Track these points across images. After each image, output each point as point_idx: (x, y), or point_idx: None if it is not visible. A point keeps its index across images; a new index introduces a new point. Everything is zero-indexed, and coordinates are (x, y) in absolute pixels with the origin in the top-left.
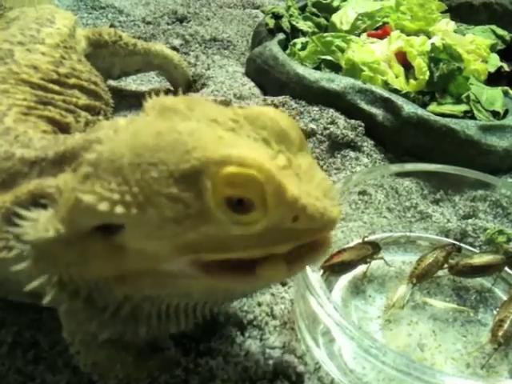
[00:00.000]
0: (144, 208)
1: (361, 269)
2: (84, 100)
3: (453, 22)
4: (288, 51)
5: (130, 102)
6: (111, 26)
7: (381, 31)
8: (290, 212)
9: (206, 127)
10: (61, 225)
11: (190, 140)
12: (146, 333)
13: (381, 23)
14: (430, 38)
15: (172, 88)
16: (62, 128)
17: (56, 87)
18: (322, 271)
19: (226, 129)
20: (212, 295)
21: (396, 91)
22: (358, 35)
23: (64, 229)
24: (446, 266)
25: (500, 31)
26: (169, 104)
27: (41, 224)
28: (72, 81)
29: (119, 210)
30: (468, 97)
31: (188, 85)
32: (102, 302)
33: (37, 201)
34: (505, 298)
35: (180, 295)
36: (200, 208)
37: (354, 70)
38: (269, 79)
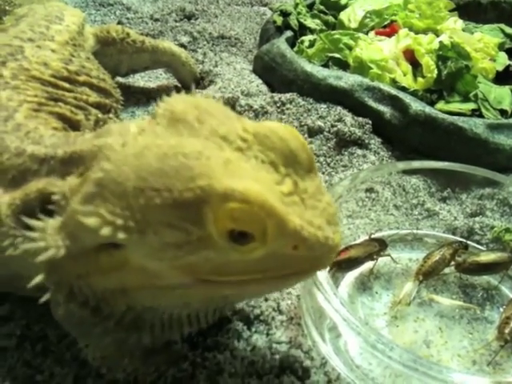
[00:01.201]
0: (145, 233)
1: (367, 265)
2: (94, 97)
3: (461, 21)
4: (296, 49)
5: (138, 98)
6: (119, 22)
7: (389, 29)
8: (291, 242)
9: (214, 147)
10: (69, 240)
11: (196, 165)
12: (150, 340)
13: (389, 21)
14: (438, 36)
15: (180, 85)
16: (73, 125)
17: (66, 84)
18: (328, 267)
19: (235, 148)
20: (211, 303)
21: (404, 89)
22: (366, 33)
23: (72, 245)
24: (452, 263)
25: (508, 30)
26: (179, 112)
27: (50, 237)
28: (82, 78)
29: (121, 235)
30: (476, 95)
31: (195, 82)
32: (107, 311)
33: (45, 203)
34: (511, 295)
35: (179, 305)
36: (201, 235)
37: (361, 68)
38: (276, 76)
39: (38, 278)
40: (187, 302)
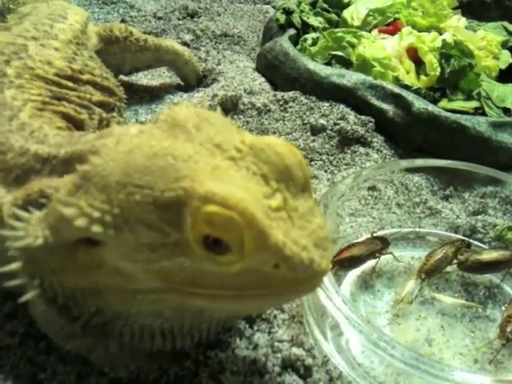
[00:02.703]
0: (121, 230)
1: (370, 264)
2: (98, 96)
3: (464, 19)
4: (299, 47)
5: (141, 96)
6: (122, 20)
7: (392, 27)
8: (271, 259)
9: (206, 153)
10: (49, 232)
11: (183, 167)
12: (119, 350)
13: (392, 19)
14: (441, 34)
15: (182, 83)
16: (77, 124)
17: (70, 83)
18: (330, 266)
19: (227, 157)
20: (185, 316)
21: (407, 87)
22: (369, 31)
23: (51, 236)
24: (455, 261)
25: (511, 28)
26: (180, 119)
27: (31, 227)
28: (85, 77)
29: (96, 228)
30: (479, 93)
31: (198, 80)
32: (76, 312)
33: (45, 203)
34: None
35: (151, 314)
36: (177, 239)
37: (364, 66)
38: (279, 75)
39: (14, 266)
40: (159, 311)
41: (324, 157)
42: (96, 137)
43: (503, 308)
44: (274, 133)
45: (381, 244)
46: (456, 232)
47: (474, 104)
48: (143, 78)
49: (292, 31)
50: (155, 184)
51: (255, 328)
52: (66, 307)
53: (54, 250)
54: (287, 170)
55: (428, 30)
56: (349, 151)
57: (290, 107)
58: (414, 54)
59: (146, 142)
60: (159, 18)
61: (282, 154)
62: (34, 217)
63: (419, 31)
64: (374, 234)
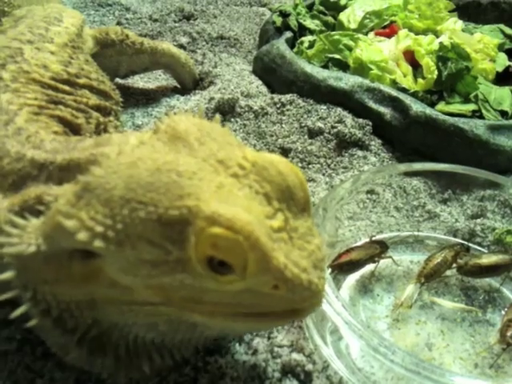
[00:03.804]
0: (123, 245)
1: (369, 268)
2: (94, 100)
3: (461, 21)
4: (295, 49)
5: (138, 99)
6: (118, 23)
7: (388, 30)
8: (272, 280)
9: (209, 170)
10: (43, 240)
11: (187, 184)
12: (115, 367)
13: (388, 22)
14: (437, 36)
15: (179, 86)
16: (73, 129)
17: (66, 87)
18: (330, 270)
19: (230, 174)
20: (178, 330)
21: (404, 90)
22: (366, 34)
23: (45, 245)
24: (454, 265)
25: (508, 30)
26: (181, 131)
27: (26, 235)
28: (82, 81)
29: (98, 243)
30: (476, 96)
31: (195, 83)
32: (71, 324)
33: (42, 210)
34: None
35: (146, 325)
36: (179, 257)
37: (361, 69)
38: (276, 77)
39: (7, 275)
40: (154, 323)
41: (321, 160)
42: (93, 144)
43: (503, 312)
44: (272, 136)
45: (380, 248)
46: (455, 236)
47: (471, 107)
48: (139, 81)
49: (289, 34)
50: (159, 201)
51: (254, 333)
52: (61, 319)
53: (47, 259)
54: (289, 189)
55: (425, 32)
56: (346, 154)
57: (287, 110)
58: (411, 57)
59: (149, 155)
60: (155, 21)
61: (284, 174)
62: (30, 224)
63: (416, 34)
64: (373, 238)
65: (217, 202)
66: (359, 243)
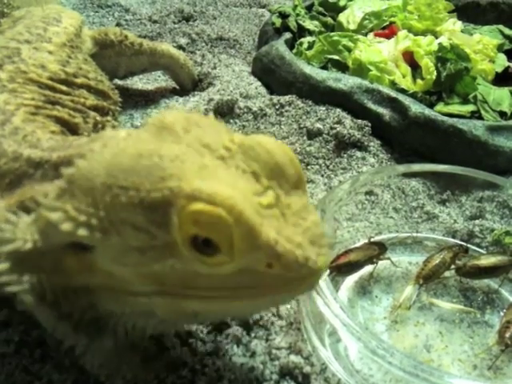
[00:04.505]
0: (108, 233)
1: (367, 269)
2: (92, 100)
3: (460, 22)
4: (294, 50)
5: (137, 100)
6: (117, 24)
7: (388, 31)
8: (263, 257)
9: (194, 153)
10: (38, 235)
11: (170, 166)
12: (114, 347)
13: (388, 23)
14: (437, 37)
15: (178, 87)
16: (71, 128)
17: (64, 87)
18: (328, 271)
19: (216, 156)
20: (178, 316)
21: (403, 91)
22: (365, 35)
23: (41, 241)
24: (452, 267)
25: (507, 31)
26: (168, 122)
27: (19, 231)
28: (80, 81)
29: (82, 232)
30: (475, 97)
31: (194, 84)
32: (67, 308)
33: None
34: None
35: (144, 314)
36: (165, 241)
37: (360, 70)
38: (275, 78)
39: (1, 267)
40: (152, 312)
41: (320, 161)
42: (88, 141)
43: (501, 313)
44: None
45: (378, 249)
46: (453, 237)
47: (470, 108)
48: (138, 82)
49: (288, 35)
50: (141, 185)
51: (252, 335)
52: (57, 304)
53: (42, 252)
54: (278, 167)
55: (424, 33)
56: (345, 155)
57: (286, 111)
58: (410, 58)
59: (132, 144)
60: (154, 22)
61: (272, 152)
62: (21, 220)
63: (415, 35)
64: (372, 239)
65: (198, 180)
66: (358, 244)
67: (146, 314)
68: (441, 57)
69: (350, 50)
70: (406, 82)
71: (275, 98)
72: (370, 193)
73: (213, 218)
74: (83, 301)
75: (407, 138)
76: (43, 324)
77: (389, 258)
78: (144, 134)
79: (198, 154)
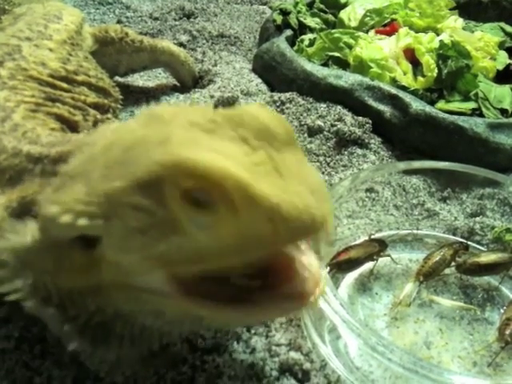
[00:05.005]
0: (109, 219)
1: (367, 266)
2: (92, 98)
3: (461, 19)
4: (295, 48)
5: (137, 97)
6: (118, 21)
7: (389, 28)
8: (262, 212)
9: (180, 131)
10: (38, 233)
11: (158, 147)
12: (117, 358)
13: (389, 20)
14: (438, 34)
15: (178, 84)
16: (71, 126)
17: (64, 84)
18: (328, 268)
19: (202, 130)
20: (185, 321)
21: (404, 88)
22: (366, 32)
23: (41, 237)
24: (453, 264)
25: (509, 28)
26: (157, 112)
27: (21, 230)
28: (80, 78)
29: (82, 221)
30: (476, 94)
31: (194, 81)
32: (73, 311)
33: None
34: None
35: (153, 314)
36: (164, 216)
37: (361, 67)
38: (276, 76)
39: (3, 271)
40: (161, 312)
41: (321, 158)
42: (85, 136)
43: (502, 311)
44: None
45: (378, 246)
46: (454, 234)
47: (471, 105)
48: (139, 80)
49: (289, 32)
50: (135, 170)
51: (252, 331)
52: (63, 306)
53: (45, 251)
54: (265, 127)
55: (425, 30)
56: (346, 153)
57: (287, 108)
58: (411, 55)
59: (122, 137)
60: (155, 19)
61: (255, 116)
62: (28, 225)
63: (416, 32)
64: (372, 237)
65: (186, 149)
66: (358, 241)
67: (154, 313)
68: (442, 54)
69: (351, 47)
70: (407, 80)
71: (276, 95)
72: (370, 190)
73: (203, 182)
74: (90, 303)
75: (408, 136)
76: (49, 327)
77: (389, 255)
78: (133, 124)
79: (185, 130)
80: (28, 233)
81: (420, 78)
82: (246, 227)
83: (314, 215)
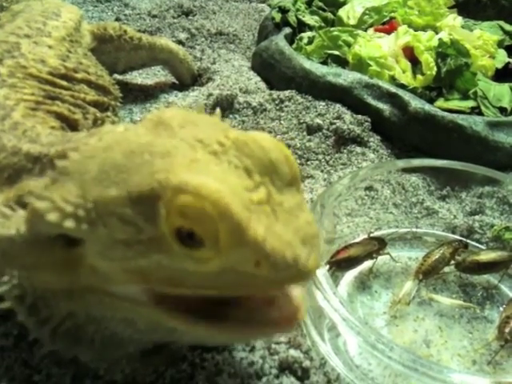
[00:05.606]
0: (95, 225)
1: (367, 264)
2: (92, 95)
3: (460, 18)
4: (294, 46)
5: (136, 95)
6: (117, 19)
7: (388, 26)
8: (251, 255)
9: (186, 147)
10: (23, 225)
11: (160, 162)
12: (90, 358)
13: (388, 18)
14: (437, 33)
15: (177, 82)
16: (70, 124)
17: (64, 82)
18: (328, 267)
19: (208, 151)
20: (157, 331)
21: (403, 86)
22: (365, 30)
23: (25, 230)
24: (452, 262)
25: (508, 27)
26: (165, 118)
27: (9, 222)
28: (80, 75)
29: (68, 224)
30: (475, 93)
31: (193, 79)
32: (45, 314)
33: None
34: (511, 294)
35: (125, 321)
36: (153, 234)
37: (360, 65)
38: (275, 74)
39: None
40: (133, 320)
41: (320, 156)
42: (85, 135)
43: (501, 309)
44: (270, 132)
45: (378, 244)
46: (453, 232)
47: (470, 103)
48: (138, 77)
49: (288, 30)
50: (131, 180)
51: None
52: (36, 307)
53: (27, 244)
54: (272, 164)
55: (424, 28)
56: (345, 151)
57: (286, 106)
58: (410, 53)
59: (126, 139)
60: (154, 17)
61: (266, 148)
62: (15, 214)
63: (415, 30)
64: (371, 235)
65: (187, 173)
66: (357, 240)
67: (125, 321)
68: (441, 52)
69: (349, 45)
70: (406, 78)
71: (275, 93)
72: (369, 188)
73: (198, 210)
74: (63, 307)
75: (407, 134)
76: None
77: (388, 254)
78: (140, 128)
79: (191, 148)
80: (14, 223)
81: (419, 77)
82: (232, 265)
83: (300, 271)
